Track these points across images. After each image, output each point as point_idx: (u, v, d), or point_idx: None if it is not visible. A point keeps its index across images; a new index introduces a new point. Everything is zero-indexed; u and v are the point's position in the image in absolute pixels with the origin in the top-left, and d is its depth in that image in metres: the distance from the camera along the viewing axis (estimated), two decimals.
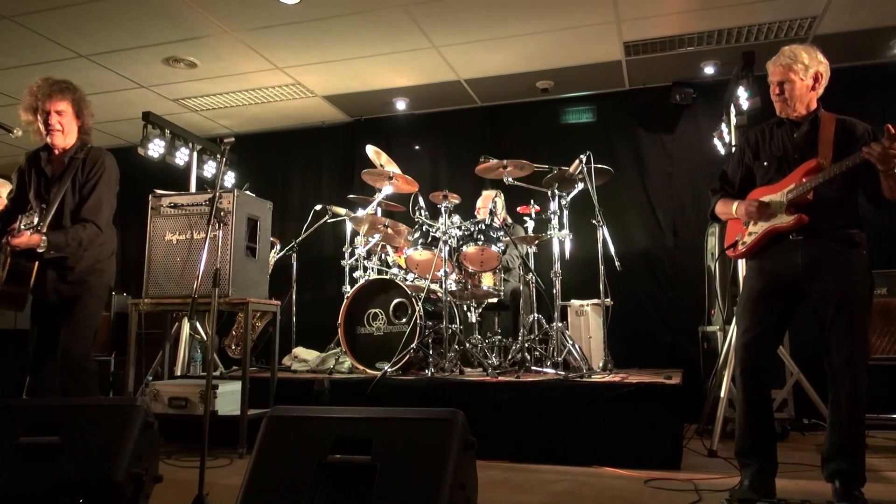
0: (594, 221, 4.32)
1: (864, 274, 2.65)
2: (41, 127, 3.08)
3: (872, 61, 5.34)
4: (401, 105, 6.43)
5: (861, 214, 2.69)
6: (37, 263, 3.00)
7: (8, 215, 3.12)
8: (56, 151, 3.14)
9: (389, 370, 4.11)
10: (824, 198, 2.63)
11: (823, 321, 2.63)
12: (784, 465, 2.89)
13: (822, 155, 2.64)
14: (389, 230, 4.77)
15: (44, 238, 2.92)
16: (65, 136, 3.12)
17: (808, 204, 2.64)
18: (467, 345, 4.39)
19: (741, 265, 4.29)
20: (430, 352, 4.22)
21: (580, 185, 4.49)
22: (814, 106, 2.76)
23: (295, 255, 5.71)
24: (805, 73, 2.70)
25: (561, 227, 4.49)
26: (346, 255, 5.25)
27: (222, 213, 3.73)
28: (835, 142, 2.65)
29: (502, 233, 4.51)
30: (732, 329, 4.06)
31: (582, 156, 4.33)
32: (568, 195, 4.57)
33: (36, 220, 2.93)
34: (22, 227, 2.91)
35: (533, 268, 4.67)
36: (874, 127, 2.71)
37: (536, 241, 4.67)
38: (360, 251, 5.01)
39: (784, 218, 2.68)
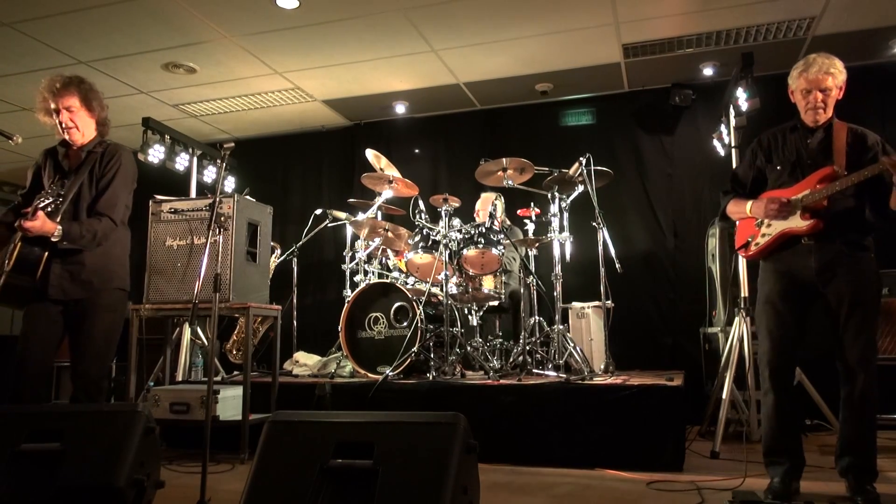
0: (594, 223, 4.32)
1: (874, 277, 2.74)
2: (58, 126, 3.04)
3: (871, 61, 5.34)
4: (400, 109, 6.43)
5: (867, 220, 2.76)
6: (45, 254, 2.90)
7: (21, 210, 3.01)
8: (74, 147, 3.11)
9: (391, 374, 4.11)
10: (836, 204, 2.71)
11: (837, 321, 2.69)
12: None
13: (836, 163, 2.70)
14: (390, 234, 4.77)
15: (59, 227, 2.84)
16: (80, 131, 3.08)
17: (823, 210, 2.70)
18: (468, 348, 4.39)
19: (742, 266, 4.30)
20: (432, 355, 4.22)
21: (580, 188, 4.49)
22: (830, 113, 2.80)
23: (295, 259, 5.71)
24: (840, 80, 2.77)
25: (561, 229, 4.49)
26: (347, 259, 5.25)
27: (223, 218, 3.76)
28: (847, 150, 2.72)
29: (502, 235, 4.51)
30: (734, 330, 4.07)
31: (581, 158, 4.33)
32: (568, 197, 4.57)
33: (46, 202, 2.82)
34: (40, 205, 2.80)
35: (533, 270, 4.67)
36: (874, 129, 2.76)
37: (537, 244, 4.66)
38: (361, 255, 5.01)
39: (798, 221, 2.73)
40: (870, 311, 2.69)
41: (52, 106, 3.02)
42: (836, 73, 2.74)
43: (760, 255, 2.89)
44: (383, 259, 5.13)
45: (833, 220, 2.69)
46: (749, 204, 2.87)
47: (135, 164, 3.22)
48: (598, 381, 3.88)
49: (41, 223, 2.81)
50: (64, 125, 3.04)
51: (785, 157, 2.86)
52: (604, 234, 4.32)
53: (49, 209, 2.85)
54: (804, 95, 2.79)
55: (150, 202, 4.09)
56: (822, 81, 2.73)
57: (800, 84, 2.80)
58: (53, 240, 2.86)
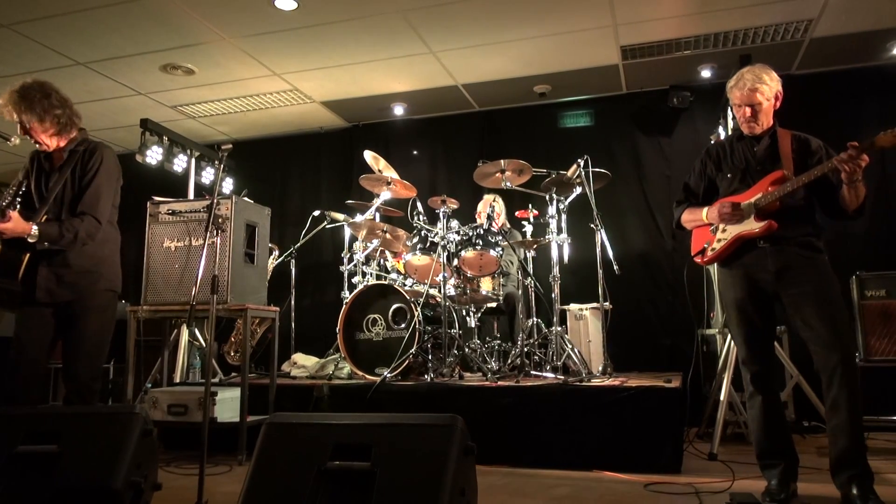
0: (592, 225, 4.32)
1: (833, 277, 2.77)
2: None
3: (869, 63, 5.36)
4: (399, 110, 6.44)
5: (818, 223, 2.84)
6: (27, 256, 2.85)
7: None
8: (50, 150, 3.05)
9: (389, 376, 4.10)
10: (788, 207, 2.77)
11: (806, 323, 2.69)
12: None
13: (785, 167, 2.78)
14: (388, 235, 4.77)
15: (34, 227, 2.79)
16: (43, 140, 3.01)
17: (775, 212, 2.76)
18: (466, 350, 4.39)
19: None
20: (430, 357, 4.22)
21: (578, 189, 4.49)
22: (771, 121, 2.89)
23: (293, 260, 5.71)
24: (770, 93, 2.83)
25: (559, 231, 4.49)
26: (345, 261, 5.25)
27: (220, 220, 3.76)
28: (793, 156, 2.80)
29: (501, 237, 4.51)
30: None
31: (580, 160, 4.34)
32: (566, 199, 4.58)
33: (4, 203, 2.76)
34: (3, 205, 2.74)
35: (531, 272, 4.67)
36: (872, 132, 2.76)
37: (535, 246, 4.67)
38: (359, 256, 5.01)
39: (753, 224, 2.78)
40: (839, 310, 2.70)
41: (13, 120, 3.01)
42: (763, 88, 2.80)
43: (717, 260, 2.93)
44: (381, 260, 5.13)
45: (786, 222, 2.73)
46: (705, 210, 2.94)
47: (118, 162, 3.16)
48: (595, 382, 3.88)
49: (13, 224, 2.75)
50: (29, 137, 3.03)
51: (734, 165, 2.93)
52: (602, 236, 4.33)
53: (13, 208, 2.79)
54: (736, 110, 2.89)
55: (148, 203, 4.09)
56: (748, 98, 2.81)
57: (732, 99, 2.89)
58: (30, 241, 2.80)
